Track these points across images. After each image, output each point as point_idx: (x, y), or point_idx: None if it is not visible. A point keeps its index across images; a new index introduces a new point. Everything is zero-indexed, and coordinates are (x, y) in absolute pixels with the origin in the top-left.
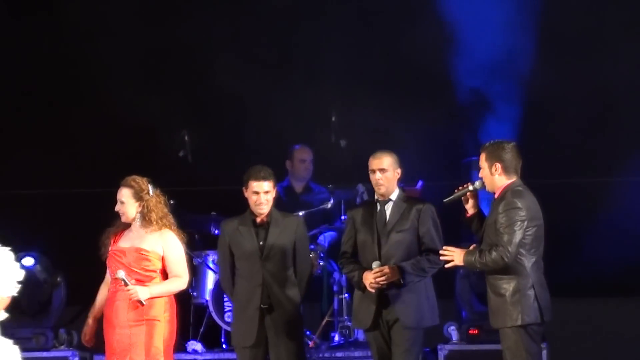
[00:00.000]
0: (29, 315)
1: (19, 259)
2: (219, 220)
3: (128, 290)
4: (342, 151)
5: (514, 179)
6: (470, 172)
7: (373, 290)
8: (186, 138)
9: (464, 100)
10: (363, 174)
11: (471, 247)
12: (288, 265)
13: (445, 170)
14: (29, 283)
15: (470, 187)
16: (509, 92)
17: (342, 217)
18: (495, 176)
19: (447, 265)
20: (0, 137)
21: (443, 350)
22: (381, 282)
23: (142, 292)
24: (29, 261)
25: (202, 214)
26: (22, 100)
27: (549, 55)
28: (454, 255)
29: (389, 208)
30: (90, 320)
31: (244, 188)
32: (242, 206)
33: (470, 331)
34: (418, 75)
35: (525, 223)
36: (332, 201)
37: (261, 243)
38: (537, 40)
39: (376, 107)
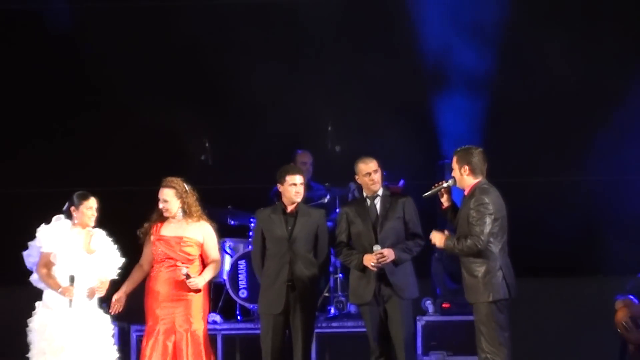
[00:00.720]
0: None
1: None
2: (234, 212)
3: (190, 282)
4: (336, 155)
5: (480, 178)
6: (443, 172)
7: (375, 269)
8: (207, 145)
9: (438, 111)
10: (355, 174)
11: (446, 233)
12: (310, 249)
13: (422, 171)
14: None
15: (445, 184)
16: (475, 103)
17: (337, 210)
18: (464, 176)
19: (433, 243)
20: (65, 145)
21: (421, 321)
22: (382, 262)
23: (200, 282)
24: None
25: (220, 207)
26: (79, 115)
27: (509, 66)
28: (437, 238)
29: (378, 202)
30: (122, 294)
31: (278, 184)
32: (251, 200)
33: (443, 305)
34: (399, 91)
35: (493, 216)
36: (328, 197)
37: (289, 229)
38: (499, 50)
39: (365, 119)
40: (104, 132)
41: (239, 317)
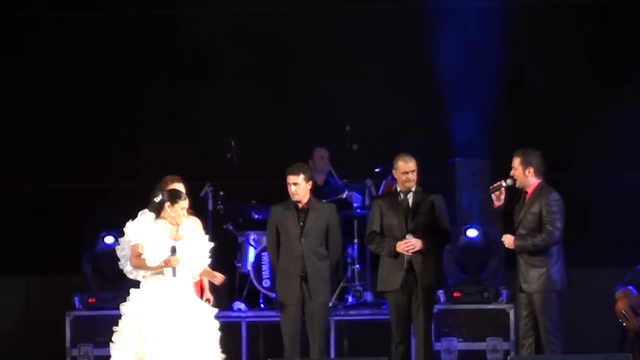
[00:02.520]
0: (110, 282)
1: (102, 237)
2: (258, 207)
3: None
4: (354, 154)
5: (541, 179)
6: (454, 170)
7: (410, 254)
8: (232, 144)
9: (449, 112)
10: (370, 171)
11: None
12: (321, 243)
13: (433, 169)
14: (111, 257)
15: (504, 184)
16: (483, 109)
17: (354, 205)
18: (528, 177)
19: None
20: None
21: (433, 309)
22: (410, 250)
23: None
24: (110, 239)
25: (245, 203)
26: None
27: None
28: (508, 240)
29: (410, 197)
30: None
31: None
32: (274, 196)
33: (454, 294)
34: (411, 95)
35: (564, 212)
36: (346, 192)
37: (301, 224)
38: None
39: (380, 119)
40: (137, 132)
41: (262, 306)
